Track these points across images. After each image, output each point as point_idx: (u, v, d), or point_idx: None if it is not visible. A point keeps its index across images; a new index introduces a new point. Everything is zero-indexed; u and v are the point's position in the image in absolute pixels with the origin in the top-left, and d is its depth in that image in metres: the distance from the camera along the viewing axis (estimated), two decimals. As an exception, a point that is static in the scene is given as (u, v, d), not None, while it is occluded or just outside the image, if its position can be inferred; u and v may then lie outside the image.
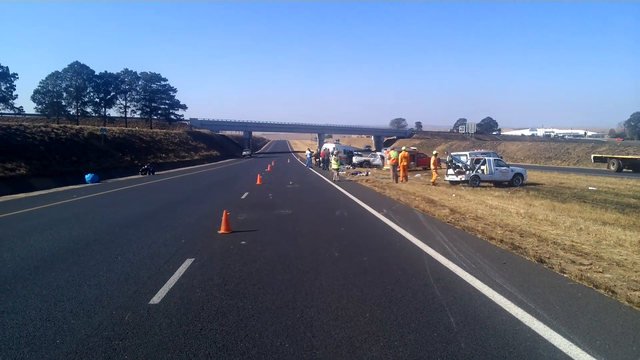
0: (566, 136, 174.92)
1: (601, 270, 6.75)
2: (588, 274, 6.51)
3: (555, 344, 4.29)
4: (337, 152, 31.38)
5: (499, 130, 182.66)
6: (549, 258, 7.48)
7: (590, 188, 24.25)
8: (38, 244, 9.20)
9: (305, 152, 65.05)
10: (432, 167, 27.17)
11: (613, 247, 8.36)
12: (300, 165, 55.32)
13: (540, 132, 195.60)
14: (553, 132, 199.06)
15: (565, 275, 6.57)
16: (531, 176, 29.19)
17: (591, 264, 7.14)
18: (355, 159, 48.25)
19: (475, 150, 38.82)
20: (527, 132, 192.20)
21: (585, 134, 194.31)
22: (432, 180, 25.09)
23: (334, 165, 28.85)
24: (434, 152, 27.55)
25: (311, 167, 45.14)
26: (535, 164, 58.92)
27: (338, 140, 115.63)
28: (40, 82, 76.78)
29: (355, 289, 6.07)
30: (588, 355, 4.06)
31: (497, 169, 24.88)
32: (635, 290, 5.82)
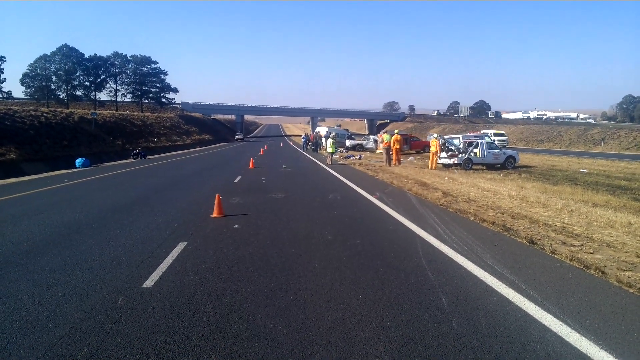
0: (558, 119, 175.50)
1: (591, 251, 6.83)
2: (579, 255, 6.58)
3: (545, 324, 4.34)
4: (333, 135, 31.30)
5: (499, 112, 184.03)
6: (540, 239, 7.54)
7: (581, 170, 24.43)
8: (29, 229, 9.14)
9: (300, 136, 64.92)
10: (436, 150, 25.22)
11: (603, 229, 8.44)
12: (293, 149, 55.22)
13: (532, 115, 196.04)
14: (545, 114, 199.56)
15: (556, 257, 6.63)
16: (523, 159, 29.35)
17: (582, 245, 7.21)
18: (348, 143, 48.19)
19: (468, 134, 38.89)
20: (519, 115, 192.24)
21: (577, 116, 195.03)
22: (433, 167, 24.51)
23: (329, 149, 28.61)
24: (435, 135, 26.81)
25: (306, 151, 45.09)
26: (527, 147, 59.24)
27: (339, 125, 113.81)
28: (29, 65, 75.85)
29: (348, 271, 6.10)
30: (578, 335, 4.11)
31: (489, 152, 24.97)
32: (624, 270, 5.90)
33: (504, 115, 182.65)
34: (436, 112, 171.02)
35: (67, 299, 5.17)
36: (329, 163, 27.08)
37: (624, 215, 10.10)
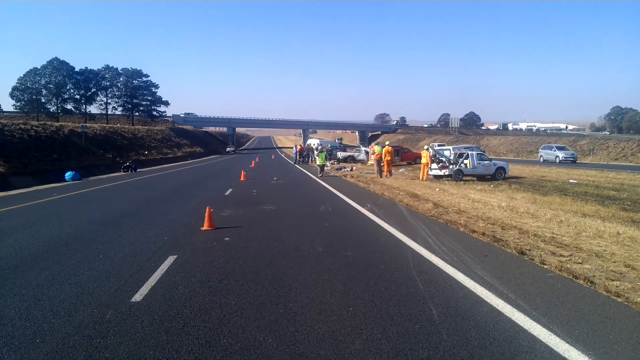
0: (548, 130, 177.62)
1: (580, 261, 6.88)
2: (568, 265, 6.62)
3: (535, 334, 4.36)
4: (322, 148, 31.16)
5: (506, 124, 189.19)
6: (529, 250, 7.59)
7: (571, 181, 24.60)
8: (17, 243, 9.05)
9: (292, 148, 64.86)
10: (427, 162, 25.03)
11: (592, 239, 8.51)
12: (284, 161, 55.21)
13: (523, 126, 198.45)
14: (535, 126, 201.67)
15: (545, 267, 6.67)
16: (513, 170, 29.53)
17: (571, 255, 7.26)
18: (339, 154, 48.24)
19: (459, 145, 39.10)
20: (509, 127, 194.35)
21: (567, 127, 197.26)
22: (424, 178, 24.47)
23: (318, 161, 28.35)
24: (425, 147, 26.70)
25: (297, 164, 45.11)
26: (517, 158, 59.61)
27: (341, 138, 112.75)
28: (18, 78, 75.45)
29: (339, 283, 6.09)
30: (567, 345, 4.13)
31: (479, 163, 25.08)
32: (613, 280, 5.94)
33: (493, 127, 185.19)
34: (395, 121, 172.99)
35: (55, 313, 5.12)
36: (320, 175, 26.96)
37: (613, 225, 10.17)
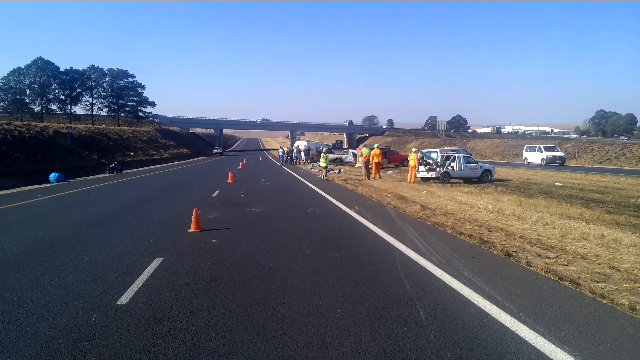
0: (533, 133, 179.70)
1: (566, 263, 6.94)
2: (553, 267, 6.68)
3: (521, 335, 4.39)
4: (326, 150, 30.92)
5: (499, 127, 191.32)
6: (515, 252, 7.64)
7: (556, 184, 24.88)
8: (0, 245, 8.89)
9: (278, 149, 64.64)
10: (414, 164, 24.99)
11: (578, 241, 8.60)
12: (272, 163, 55.10)
13: (509, 129, 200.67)
14: (521, 129, 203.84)
15: (531, 269, 6.72)
16: (499, 172, 29.79)
17: (556, 257, 7.33)
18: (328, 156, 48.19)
19: (446, 147, 39.35)
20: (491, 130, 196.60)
21: (552, 131, 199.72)
22: (411, 180, 24.53)
23: (322, 163, 27.26)
24: (414, 149, 26.77)
25: (283, 166, 45.04)
26: (503, 161, 60.17)
27: (341, 141, 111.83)
28: (1, 78, 74.45)
29: (327, 285, 6.08)
30: (553, 346, 4.16)
31: (466, 166, 25.26)
32: (598, 282, 6.01)
33: (480, 130, 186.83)
34: (348, 122, 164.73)
35: (39, 316, 5.04)
36: (324, 179, 25.69)
37: (597, 227, 10.30)
